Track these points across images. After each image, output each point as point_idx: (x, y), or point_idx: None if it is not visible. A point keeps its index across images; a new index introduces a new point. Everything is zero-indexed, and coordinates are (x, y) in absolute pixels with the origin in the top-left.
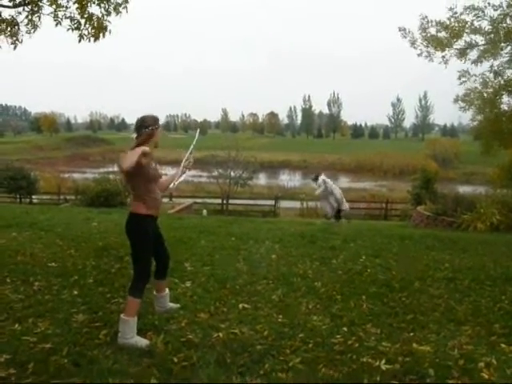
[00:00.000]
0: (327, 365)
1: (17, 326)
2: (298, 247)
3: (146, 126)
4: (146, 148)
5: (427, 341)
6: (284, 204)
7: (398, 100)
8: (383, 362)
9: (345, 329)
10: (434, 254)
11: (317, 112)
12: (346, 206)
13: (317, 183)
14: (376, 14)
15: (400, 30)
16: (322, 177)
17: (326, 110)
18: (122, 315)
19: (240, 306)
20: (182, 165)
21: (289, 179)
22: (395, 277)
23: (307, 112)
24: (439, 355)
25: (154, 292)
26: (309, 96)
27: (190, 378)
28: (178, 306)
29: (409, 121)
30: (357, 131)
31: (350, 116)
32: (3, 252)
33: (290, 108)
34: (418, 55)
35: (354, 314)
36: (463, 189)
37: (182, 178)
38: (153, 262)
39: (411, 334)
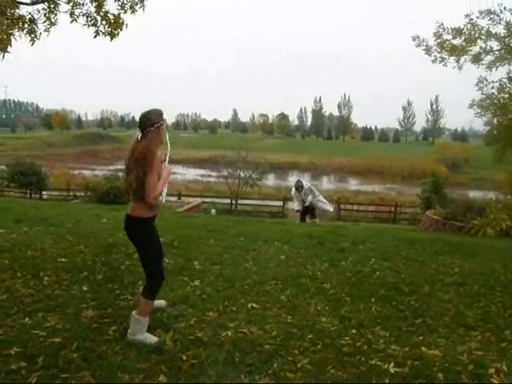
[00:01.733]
0: (336, 366)
1: (27, 319)
2: (307, 248)
3: (152, 124)
4: (170, 169)
5: (436, 345)
6: (292, 205)
7: (409, 103)
8: (392, 365)
9: (353, 331)
10: (444, 258)
11: (327, 114)
12: (329, 207)
13: (303, 192)
14: (388, 16)
15: (414, 39)
16: (305, 183)
17: (336, 112)
18: (134, 313)
19: (249, 305)
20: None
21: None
22: (404, 280)
23: (317, 114)
24: (448, 360)
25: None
26: (320, 98)
27: (199, 376)
28: (165, 302)
29: (419, 125)
30: (367, 134)
31: (361, 119)
32: (14, 246)
33: (301, 109)
34: (433, 61)
35: (363, 316)
36: (473, 194)
37: (165, 191)
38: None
39: (420, 337)
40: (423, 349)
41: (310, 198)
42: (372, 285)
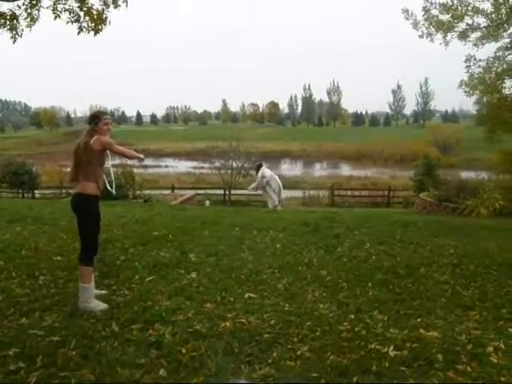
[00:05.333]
0: (335, 352)
1: (24, 319)
2: (302, 236)
3: (94, 119)
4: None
5: (435, 326)
6: (286, 193)
7: (399, 87)
8: (391, 348)
9: (352, 316)
10: (438, 240)
11: (317, 101)
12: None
13: (258, 174)
14: (377, 2)
15: (403, 12)
16: (264, 169)
17: (326, 99)
18: (80, 283)
19: (246, 295)
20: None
21: (290, 168)
22: (400, 263)
23: (307, 101)
24: (447, 340)
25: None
26: (309, 85)
27: (199, 368)
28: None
29: (409, 108)
30: (357, 119)
31: (351, 104)
32: (8, 247)
33: (291, 97)
34: (420, 37)
35: (361, 301)
36: (466, 174)
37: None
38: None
39: (418, 320)
40: (421, 331)
41: (258, 183)
42: (368, 269)
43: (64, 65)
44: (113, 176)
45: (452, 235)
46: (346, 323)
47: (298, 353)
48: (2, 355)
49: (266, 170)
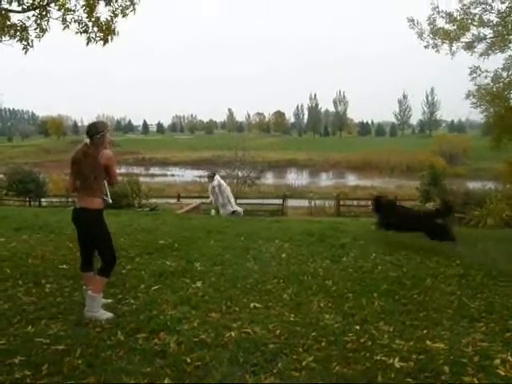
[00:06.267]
0: (340, 363)
1: (30, 327)
2: (308, 246)
3: (97, 132)
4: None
5: (441, 338)
6: (292, 203)
7: (405, 97)
8: (397, 359)
9: (357, 327)
10: (445, 250)
11: (323, 110)
12: (238, 208)
13: (212, 183)
14: (381, 11)
15: (408, 21)
16: (218, 178)
17: (332, 109)
18: (89, 292)
19: (251, 305)
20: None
21: (296, 178)
22: (406, 274)
23: (314, 110)
24: (454, 352)
25: (84, 287)
26: (315, 94)
27: (204, 378)
28: (110, 300)
29: (416, 118)
30: (363, 129)
31: (357, 114)
32: (15, 255)
33: (297, 106)
34: (425, 47)
35: (366, 311)
36: (472, 185)
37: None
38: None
39: (424, 331)
40: (428, 342)
41: (219, 198)
42: (374, 280)
43: (71, 74)
44: (106, 184)
45: (458, 246)
46: (351, 334)
47: (303, 363)
48: (8, 363)
49: (220, 180)
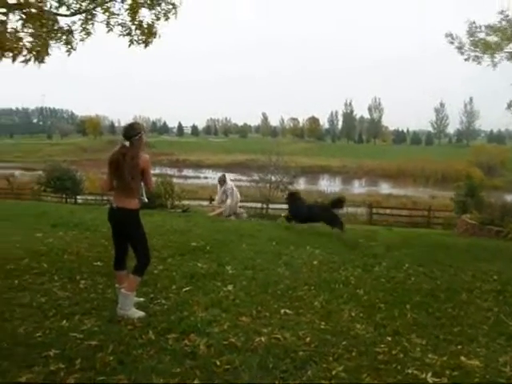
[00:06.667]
0: (371, 374)
1: (64, 322)
2: (340, 253)
3: (136, 133)
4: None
5: (476, 355)
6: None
7: (442, 105)
8: (430, 374)
9: (389, 338)
10: (481, 264)
11: (358, 117)
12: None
13: (225, 187)
14: (419, 16)
15: (447, 36)
16: (229, 181)
17: (367, 115)
18: (122, 290)
19: (282, 311)
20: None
21: (328, 184)
22: (440, 287)
23: (348, 117)
24: (489, 371)
25: (117, 285)
26: (350, 101)
27: (233, 381)
28: (142, 299)
29: (453, 127)
30: (398, 137)
31: (392, 121)
32: (51, 250)
33: (332, 113)
34: (466, 60)
35: (398, 323)
36: (511, 197)
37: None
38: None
39: (459, 346)
40: (462, 358)
41: (228, 200)
42: (407, 291)
43: (109, 75)
44: (142, 184)
45: (496, 260)
46: (382, 345)
47: (333, 372)
48: (44, 355)
49: (231, 182)
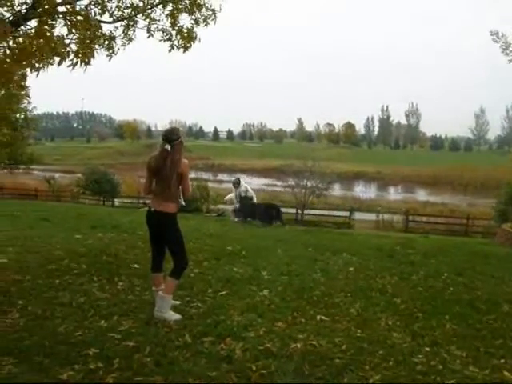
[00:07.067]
0: None
1: (103, 322)
2: (376, 261)
3: (177, 138)
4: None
5: None
6: (358, 216)
7: (482, 111)
8: None
9: (427, 348)
10: None
11: (395, 123)
12: None
13: (239, 189)
14: (457, 17)
15: (492, 34)
16: (244, 184)
17: (404, 121)
18: (160, 293)
19: (318, 317)
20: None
21: (364, 191)
22: (481, 297)
23: (385, 123)
24: None
25: (153, 287)
26: (387, 106)
27: None
28: (178, 302)
29: (494, 133)
30: (436, 143)
31: (430, 127)
32: (90, 251)
33: (368, 118)
34: (510, 61)
35: (437, 333)
36: None
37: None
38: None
39: (501, 360)
40: (505, 373)
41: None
42: (446, 301)
43: (147, 80)
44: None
45: None
46: (420, 355)
47: (370, 381)
48: (83, 354)
49: (246, 185)
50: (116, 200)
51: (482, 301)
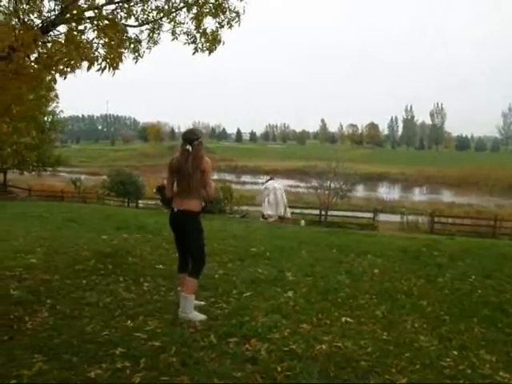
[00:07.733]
0: None
1: (129, 322)
2: (402, 263)
3: (197, 138)
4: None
5: None
6: (382, 217)
7: (510, 110)
8: None
9: (455, 352)
10: None
11: (419, 123)
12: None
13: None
14: (485, 12)
15: None
16: (270, 182)
17: (428, 121)
18: (182, 293)
19: (343, 319)
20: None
21: (388, 192)
22: (509, 300)
23: (409, 123)
24: None
25: (179, 288)
26: (411, 106)
27: None
28: (203, 303)
29: None
30: (462, 143)
31: (455, 127)
32: (116, 252)
33: (391, 118)
34: None
35: (465, 337)
36: None
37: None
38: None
39: None
40: None
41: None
42: (473, 304)
43: (171, 82)
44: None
45: None
46: (448, 359)
47: None
48: (110, 353)
49: (270, 183)
50: (140, 201)
51: (511, 304)
